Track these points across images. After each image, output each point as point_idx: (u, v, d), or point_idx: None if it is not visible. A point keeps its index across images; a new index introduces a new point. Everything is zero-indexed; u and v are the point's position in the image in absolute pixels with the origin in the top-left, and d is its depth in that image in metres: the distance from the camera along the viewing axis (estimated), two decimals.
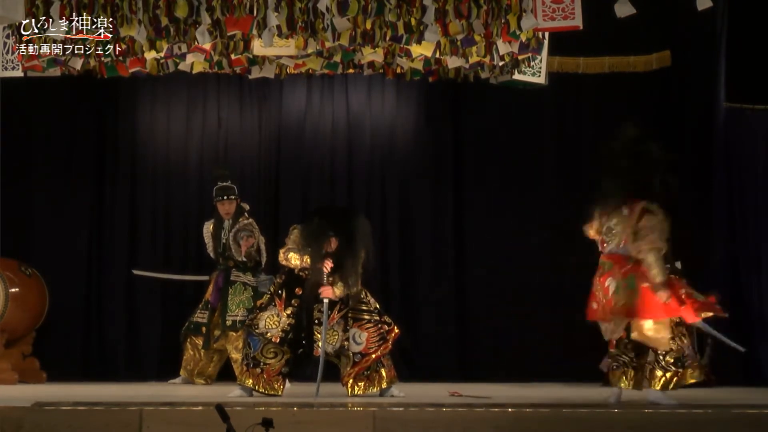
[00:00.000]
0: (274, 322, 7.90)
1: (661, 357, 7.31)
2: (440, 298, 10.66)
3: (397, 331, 8.06)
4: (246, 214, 9.62)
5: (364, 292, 8.07)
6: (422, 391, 8.56)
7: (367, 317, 8.00)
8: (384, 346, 7.97)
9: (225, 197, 9.63)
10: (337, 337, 7.93)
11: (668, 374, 7.30)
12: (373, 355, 7.94)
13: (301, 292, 7.95)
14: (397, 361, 8.40)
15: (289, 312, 7.92)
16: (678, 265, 9.93)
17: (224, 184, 9.68)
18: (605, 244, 7.51)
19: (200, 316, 9.60)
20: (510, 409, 6.55)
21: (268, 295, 8.14)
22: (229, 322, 9.39)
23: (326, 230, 7.82)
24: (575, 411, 6.60)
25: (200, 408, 6.31)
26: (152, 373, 10.13)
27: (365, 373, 7.96)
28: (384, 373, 7.99)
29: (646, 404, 7.07)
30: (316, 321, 7.90)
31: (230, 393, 7.89)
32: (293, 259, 7.94)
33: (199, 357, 9.59)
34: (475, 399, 7.46)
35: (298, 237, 7.95)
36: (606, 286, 7.35)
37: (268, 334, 7.88)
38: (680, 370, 7.43)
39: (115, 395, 7.58)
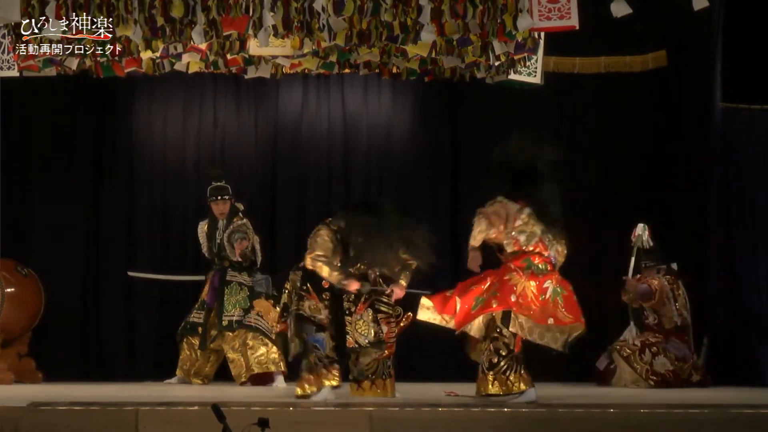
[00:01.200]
0: (318, 308, 7.60)
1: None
2: None
3: (410, 315, 7.83)
4: (240, 214, 9.60)
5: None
6: (420, 390, 8.54)
7: (387, 311, 7.87)
8: (393, 345, 7.85)
9: (219, 197, 9.62)
10: (369, 329, 7.82)
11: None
12: (387, 351, 7.88)
13: (329, 285, 7.67)
14: (395, 361, 8.37)
15: (323, 306, 7.68)
16: (674, 266, 9.96)
17: (218, 183, 9.66)
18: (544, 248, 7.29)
19: (196, 316, 9.58)
20: (506, 409, 6.55)
21: (287, 293, 7.78)
22: (225, 322, 9.37)
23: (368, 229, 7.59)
24: (571, 411, 6.59)
25: (196, 408, 6.30)
26: (149, 373, 10.12)
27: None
28: (388, 384, 7.87)
29: (642, 404, 7.06)
30: (347, 312, 7.77)
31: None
32: (322, 270, 7.61)
33: (196, 357, 9.58)
34: (472, 399, 7.45)
35: (329, 242, 7.65)
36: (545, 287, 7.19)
37: (317, 318, 7.56)
38: None
39: (111, 395, 7.57)
